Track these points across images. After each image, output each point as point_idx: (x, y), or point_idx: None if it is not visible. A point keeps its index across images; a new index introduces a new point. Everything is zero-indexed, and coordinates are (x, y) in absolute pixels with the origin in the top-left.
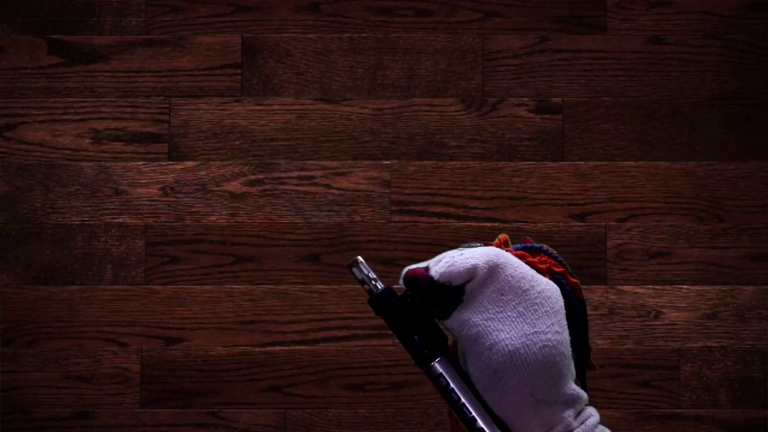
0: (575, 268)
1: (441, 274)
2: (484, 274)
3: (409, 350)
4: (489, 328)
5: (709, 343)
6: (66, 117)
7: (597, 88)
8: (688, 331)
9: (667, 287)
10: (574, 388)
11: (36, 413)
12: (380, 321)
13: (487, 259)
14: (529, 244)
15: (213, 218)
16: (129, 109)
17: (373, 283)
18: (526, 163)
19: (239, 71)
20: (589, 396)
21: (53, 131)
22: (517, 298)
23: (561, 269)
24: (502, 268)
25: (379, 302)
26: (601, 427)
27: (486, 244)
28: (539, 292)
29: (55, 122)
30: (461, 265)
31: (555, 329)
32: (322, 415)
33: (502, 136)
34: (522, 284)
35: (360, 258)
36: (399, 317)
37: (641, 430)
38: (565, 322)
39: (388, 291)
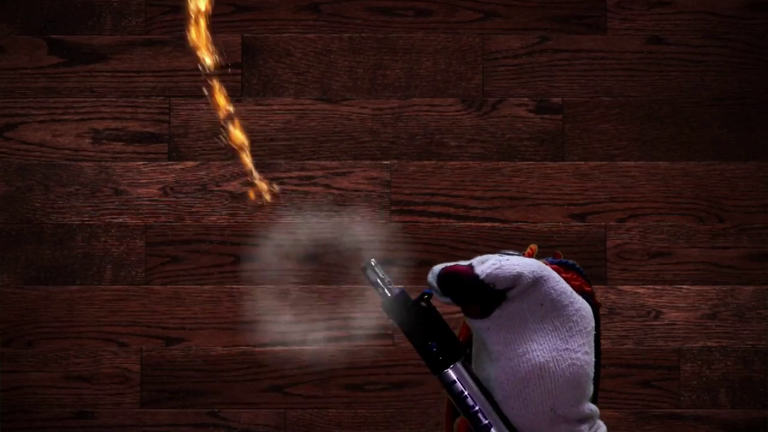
0: None
1: (488, 275)
2: (528, 284)
3: (423, 356)
4: (523, 336)
5: (709, 343)
6: (66, 117)
7: (597, 88)
8: (688, 331)
9: (667, 287)
10: (590, 405)
11: (36, 413)
12: (381, 321)
13: (532, 269)
14: (562, 260)
15: (213, 218)
16: (129, 109)
17: (388, 286)
18: (526, 163)
19: (239, 71)
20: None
21: (53, 131)
22: (554, 312)
23: (589, 289)
24: (545, 281)
25: (393, 306)
26: None
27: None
28: (576, 310)
29: (55, 122)
30: (508, 271)
31: (585, 349)
32: (322, 415)
33: (502, 136)
34: (562, 299)
35: (373, 260)
36: (414, 322)
37: (641, 430)
38: (593, 344)
39: (402, 295)
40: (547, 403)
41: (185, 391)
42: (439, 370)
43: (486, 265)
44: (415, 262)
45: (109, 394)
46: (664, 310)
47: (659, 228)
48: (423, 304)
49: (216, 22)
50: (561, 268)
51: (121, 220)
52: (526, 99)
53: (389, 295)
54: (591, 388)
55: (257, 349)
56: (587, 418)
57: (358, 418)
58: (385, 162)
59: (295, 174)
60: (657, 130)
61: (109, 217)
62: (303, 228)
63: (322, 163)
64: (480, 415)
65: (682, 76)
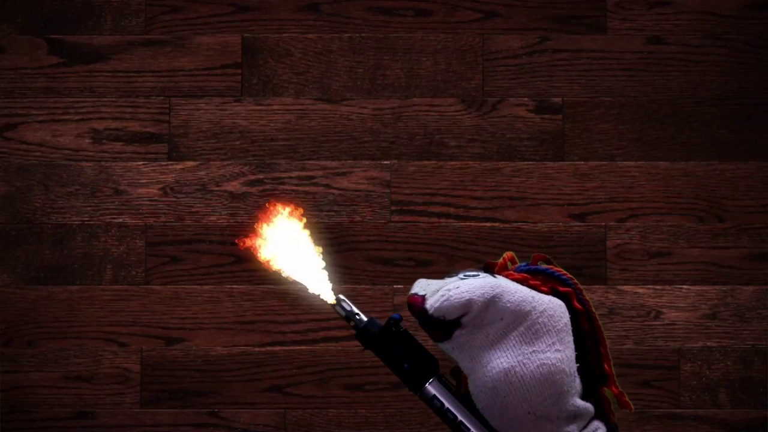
0: (575, 268)
1: (435, 309)
2: (480, 308)
3: (399, 377)
4: (487, 348)
5: (709, 343)
6: (66, 117)
7: (597, 88)
8: (688, 331)
9: (667, 287)
10: (578, 403)
11: (36, 413)
12: (381, 321)
13: (482, 292)
14: (533, 267)
15: (213, 218)
16: (129, 109)
17: (357, 318)
18: (526, 163)
19: (239, 71)
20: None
21: (53, 131)
22: (516, 321)
23: (566, 289)
24: (498, 298)
25: (363, 335)
26: None
27: (488, 263)
28: (541, 312)
29: (55, 122)
30: (456, 300)
31: (555, 347)
32: (322, 415)
33: (502, 136)
34: (522, 307)
35: (341, 296)
36: (385, 347)
37: (641, 430)
38: (570, 339)
39: (370, 323)
40: (523, 407)
41: (185, 391)
42: (416, 388)
43: (435, 297)
44: (415, 262)
45: (109, 394)
46: (664, 310)
47: (659, 228)
48: (393, 329)
49: (216, 22)
50: (529, 275)
51: (121, 220)
52: (526, 99)
53: (359, 325)
54: (573, 384)
55: (257, 349)
56: (575, 416)
57: (358, 418)
58: (385, 162)
59: (295, 174)
60: (657, 130)
61: (109, 217)
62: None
63: (322, 163)
64: (463, 426)
65: (682, 76)
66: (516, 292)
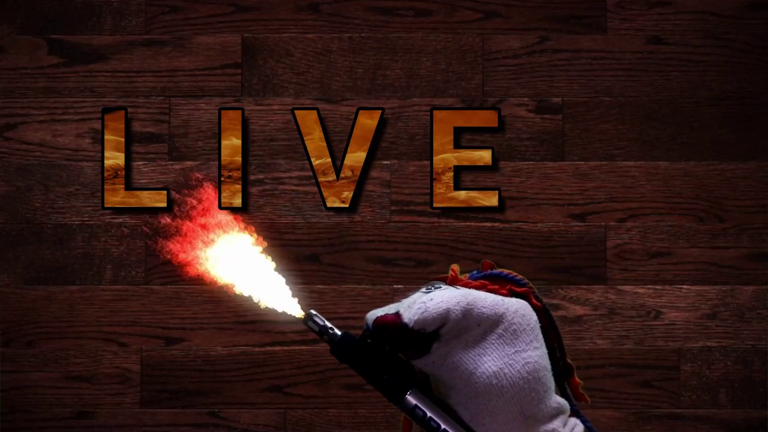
0: (575, 268)
1: (415, 322)
2: (458, 317)
3: (379, 389)
4: (469, 356)
5: (709, 343)
6: (66, 117)
7: (597, 88)
8: (688, 331)
9: (667, 287)
10: (557, 399)
11: (36, 413)
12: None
13: (458, 301)
14: (487, 272)
15: None
16: (129, 109)
17: (330, 332)
18: (526, 163)
19: (239, 71)
20: (590, 396)
21: (53, 131)
22: (493, 325)
23: (523, 289)
24: (473, 305)
25: (340, 350)
26: None
27: (437, 279)
28: (514, 312)
29: (55, 122)
30: (434, 311)
31: (534, 345)
32: (322, 415)
33: (502, 136)
34: (497, 310)
35: (313, 311)
36: (362, 360)
37: (641, 430)
38: (541, 335)
39: (346, 337)
40: (513, 409)
41: (185, 391)
42: (397, 400)
43: (412, 311)
44: (415, 262)
45: (109, 394)
46: (664, 310)
47: (659, 228)
48: (368, 341)
49: (216, 22)
50: (487, 281)
51: (121, 220)
52: (526, 99)
53: (334, 340)
54: (551, 378)
55: (257, 349)
56: (557, 412)
57: (358, 418)
58: (385, 162)
59: (295, 174)
60: (657, 130)
61: (109, 217)
62: (303, 228)
63: None
64: None
65: (682, 76)
66: (486, 297)
